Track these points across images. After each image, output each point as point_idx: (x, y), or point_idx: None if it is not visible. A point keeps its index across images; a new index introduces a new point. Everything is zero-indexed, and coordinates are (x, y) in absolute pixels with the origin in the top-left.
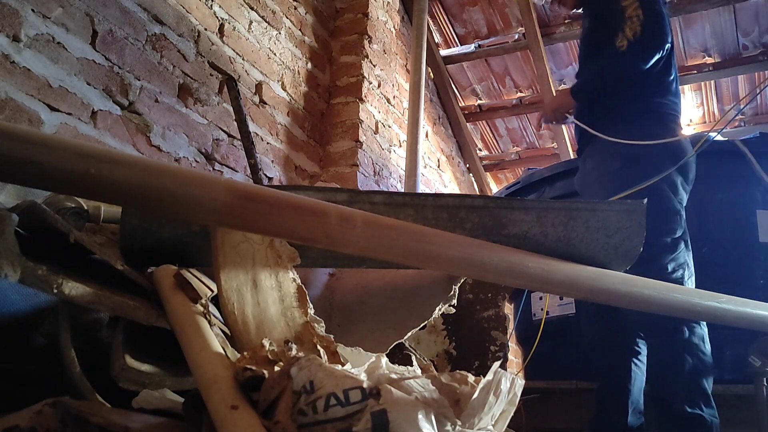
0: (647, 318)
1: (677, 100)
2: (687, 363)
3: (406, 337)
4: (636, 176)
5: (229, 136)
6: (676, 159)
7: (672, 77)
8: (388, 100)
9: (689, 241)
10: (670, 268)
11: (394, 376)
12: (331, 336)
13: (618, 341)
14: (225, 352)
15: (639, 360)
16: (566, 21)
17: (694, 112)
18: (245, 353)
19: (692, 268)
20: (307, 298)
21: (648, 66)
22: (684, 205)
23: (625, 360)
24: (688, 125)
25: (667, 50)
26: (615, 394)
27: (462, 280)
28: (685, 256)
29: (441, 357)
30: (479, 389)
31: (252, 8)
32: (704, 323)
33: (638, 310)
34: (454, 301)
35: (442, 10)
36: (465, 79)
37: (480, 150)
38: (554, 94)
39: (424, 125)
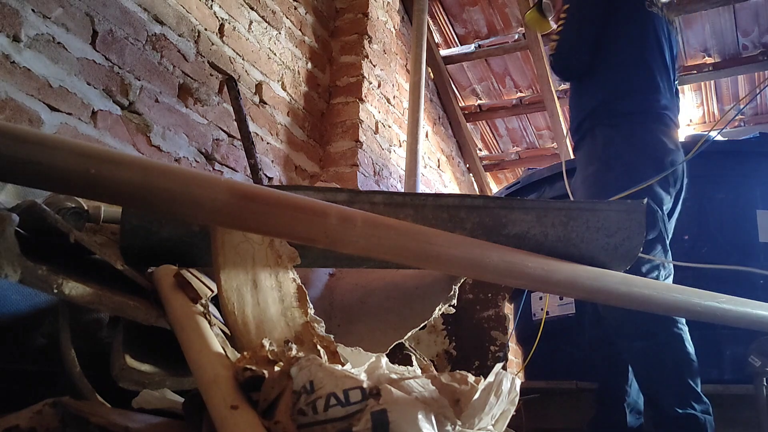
0: (622, 323)
1: (662, 97)
2: (667, 365)
3: (406, 337)
4: (611, 180)
5: (229, 136)
6: (655, 161)
7: (654, 74)
8: (388, 100)
9: (668, 243)
10: (644, 269)
11: (394, 376)
12: (331, 336)
13: (616, 342)
14: (225, 352)
15: None
16: None
17: (694, 112)
18: (245, 353)
19: (671, 268)
20: (307, 298)
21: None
22: (664, 206)
23: (623, 361)
24: (688, 125)
25: (580, 66)
26: (614, 394)
27: (462, 280)
28: (662, 256)
29: (441, 357)
30: (480, 390)
31: (252, 8)
32: (684, 323)
33: (638, 310)
34: (454, 301)
35: (442, 10)
36: (465, 79)
37: (480, 150)
38: (554, 94)
39: (424, 125)
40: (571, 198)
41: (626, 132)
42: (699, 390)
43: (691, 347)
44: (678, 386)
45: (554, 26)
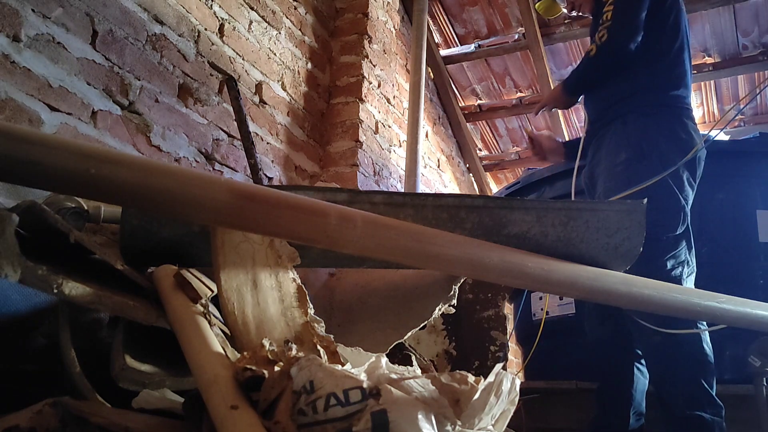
0: (641, 317)
1: (689, 93)
2: (682, 363)
3: (406, 337)
4: (644, 169)
5: (229, 136)
6: (685, 154)
7: (686, 69)
8: (388, 100)
9: (692, 239)
10: (669, 265)
11: (394, 376)
12: (331, 336)
13: (620, 344)
14: (225, 352)
15: (641, 363)
16: (566, 21)
17: (694, 112)
18: (245, 353)
19: (694, 266)
20: (307, 298)
21: (609, 68)
22: (689, 202)
23: (628, 363)
24: None
25: (632, 50)
26: (616, 396)
27: (462, 280)
28: (686, 253)
29: (441, 357)
30: (480, 390)
31: (252, 8)
32: (704, 323)
33: (638, 310)
34: (454, 301)
35: (442, 10)
36: (465, 79)
37: (480, 150)
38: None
39: (424, 125)
40: (573, 196)
41: (661, 123)
42: (713, 392)
43: (709, 348)
44: (690, 387)
45: (565, 11)
